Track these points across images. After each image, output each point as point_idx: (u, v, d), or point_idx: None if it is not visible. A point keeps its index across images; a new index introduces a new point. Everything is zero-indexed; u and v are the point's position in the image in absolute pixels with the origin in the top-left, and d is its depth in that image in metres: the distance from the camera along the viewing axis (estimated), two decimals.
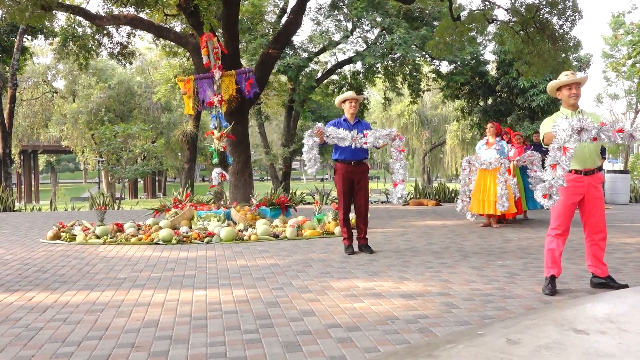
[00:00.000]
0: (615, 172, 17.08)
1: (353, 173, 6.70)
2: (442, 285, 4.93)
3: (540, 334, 1.68)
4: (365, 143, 6.43)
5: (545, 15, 13.67)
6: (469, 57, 21.86)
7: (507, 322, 1.82)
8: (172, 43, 18.57)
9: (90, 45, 17.29)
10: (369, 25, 22.34)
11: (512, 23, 14.00)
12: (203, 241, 7.98)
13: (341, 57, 24.04)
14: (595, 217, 4.65)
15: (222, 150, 9.92)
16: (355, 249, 6.94)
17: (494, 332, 1.71)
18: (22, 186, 43.87)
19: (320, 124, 6.45)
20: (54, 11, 13.48)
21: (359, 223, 6.92)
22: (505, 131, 10.41)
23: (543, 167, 11.17)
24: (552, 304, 4.20)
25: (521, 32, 13.81)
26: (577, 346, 1.64)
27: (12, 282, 5.33)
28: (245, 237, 8.20)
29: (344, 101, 6.81)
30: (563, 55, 13.95)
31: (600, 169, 4.83)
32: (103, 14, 14.93)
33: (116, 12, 15.35)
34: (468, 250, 6.99)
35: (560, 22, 13.76)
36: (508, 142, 10.00)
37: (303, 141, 6.56)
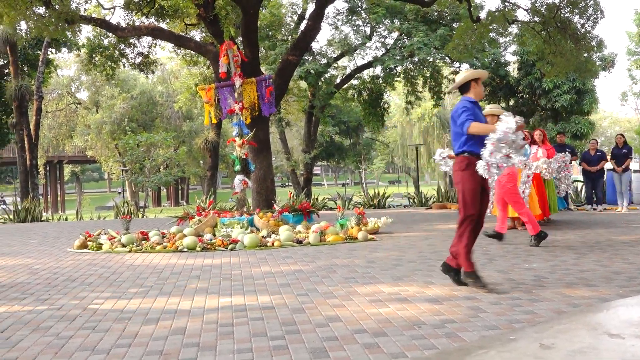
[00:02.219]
0: None
1: None
2: (468, 289, 4.88)
3: (573, 338, 1.65)
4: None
5: (566, 15, 13.51)
6: (489, 60, 21.68)
7: (539, 326, 1.79)
8: (192, 52, 18.76)
9: (115, 56, 17.58)
10: (387, 31, 22.31)
11: (532, 23, 13.87)
12: (227, 248, 8.02)
13: (360, 62, 23.99)
14: None
15: (244, 157, 9.98)
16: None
17: (526, 337, 1.69)
18: (49, 196, 44.57)
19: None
20: (77, 24, 13.71)
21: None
22: (532, 132, 10.28)
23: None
24: (583, 307, 4.14)
25: (542, 32, 13.67)
26: (612, 350, 1.61)
27: (41, 292, 5.41)
28: (268, 244, 8.22)
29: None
30: (586, 54, 13.78)
31: None
32: (124, 26, 15.15)
33: (137, 23, 15.58)
34: (493, 253, 6.92)
35: (582, 22, 13.59)
36: (531, 144, 9.87)
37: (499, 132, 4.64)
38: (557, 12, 13.22)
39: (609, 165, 13.35)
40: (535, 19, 13.73)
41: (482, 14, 14.66)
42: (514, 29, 15.39)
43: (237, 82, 10.04)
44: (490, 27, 13.95)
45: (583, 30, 13.57)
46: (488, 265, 6.04)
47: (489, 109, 6.82)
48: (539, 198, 9.22)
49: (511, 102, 24.86)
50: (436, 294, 4.77)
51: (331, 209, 15.69)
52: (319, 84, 21.42)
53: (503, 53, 23.14)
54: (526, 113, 23.92)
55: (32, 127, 24.68)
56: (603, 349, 1.63)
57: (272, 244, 8.18)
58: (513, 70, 24.81)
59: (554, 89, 22.18)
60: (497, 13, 13.61)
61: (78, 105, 40.42)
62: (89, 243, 8.51)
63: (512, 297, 4.54)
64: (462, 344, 3.27)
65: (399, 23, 21.36)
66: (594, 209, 12.96)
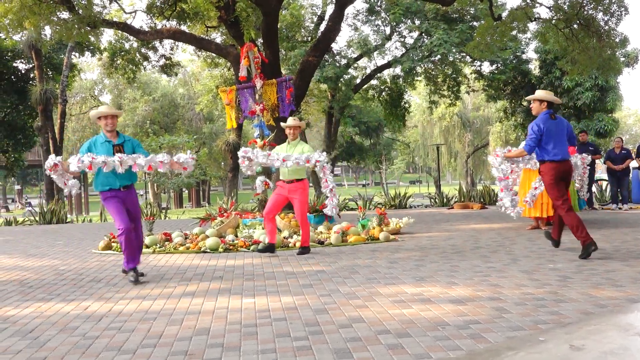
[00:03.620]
0: None
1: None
2: (492, 290, 4.84)
3: (604, 339, 1.62)
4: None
5: (590, 12, 13.31)
6: (511, 57, 21.47)
7: (568, 327, 1.76)
8: (213, 54, 18.89)
9: (137, 59, 17.79)
10: (407, 30, 22.23)
11: (554, 20, 13.69)
12: (249, 249, 8.06)
13: (380, 62, 23.93)
14: None
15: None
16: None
17: (556, 338, 1.66)
18: (73, 198, 45.18)
19: None
20: (99, 28, 13.89)
21: None
22: None
23: (592, 168, 10.86)
24: (612, 308, 4.07)
25: (565, 30, 13.49)
26: None
27: (68, 292, 5.49)
28: (290, 244, 8.24)
29: None
30: (609, 51, 13.56)
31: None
32: (147, 29, 15.31)
33: (159, 26, 15.73)
34: (517, 253, 6.85)
35: (606, 18, 13.38)
36: None
37: None
38: (580, 9, 13.03)
39: (634, 163, 13.14)
40: (558, 16, 13.55)
41: (503, 12, 14.51)
42: (535, 26, 15.21)
43: (258, 83, 10.06)
44: (512, 25, 13.80)
45: (607, 27, 13.36)
46: (512, 266, 5.98)
47: (291, 120, 7.81)
48: None
49: None
50: (459, 294, 4.74)
51: (352, 209, 15.67)
52: (339, 85, 21.42)
53: (525, 50, 22.89)
54: None
55: (56, 130, 25.10)
56: (635, 350, 1.60)
57: (294, 245, 8.19)
58: (535, 68, 24.55)
59: (576, 87, 21.89)
60: (518, 11, 13.46)
61: None
62: (113, 244, 8.61)
63: (537, 298, 4.49)
64: (490, 345, 3.24)
65: (419, 23, 21.26)
66: (619, 208, 12.76)
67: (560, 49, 14.22)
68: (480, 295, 4.68)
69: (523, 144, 6.81)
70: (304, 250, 7.55)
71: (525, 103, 24.86)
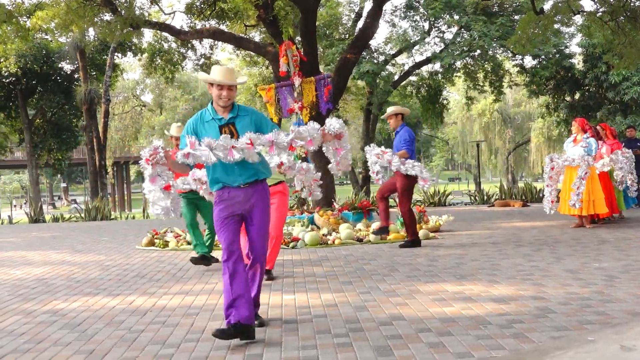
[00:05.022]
0: None
1: None
2: (536, 289, 4.75)
3: None
4: None
5: (637, 3, 12.90)
6: (553, 51, 20.97)
7: (617, 328, 1.72)
8: (252, 53, 19.05)
9: (175, 59, 18.11)
10: (446, 25, 21.95)
11: (600, 13, 13.31)
12: (288, 246, 8.10)
13: (419, 58, 23.66)
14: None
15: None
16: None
17: (606, 338, 1.63)
18: (116, 196, 46.25)
19: None
20: (141, 29, 14.19)
21: None
22: (596, 127, 9.87)
23: (638, 166, 10.54)
24: None
25: (610, 22, 13.09)
26: None
27: (113, 287, 5.64)
28: (329, 242, 8.26)
29: None
30: None
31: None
32: (187, 29, 15.55)
33: (199, 26, 15.96)
34: (561, 252, 6.70)
35: None
36: (599, 139, 9.48)
37: None
38: (627, 0, 12.63)
39: None
40: (603, 8, 13.17)
41: (545, 4, 14.19)
42: (579, 20, 14.82)
43: (297, 81, 10.12)
44: (555, 19, 13.46)
45: None
46: (555, 265, 5.86)
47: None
48: (605, 195, 8.86)
49: (577, 96, 23.97)
50: (501, 293, 4.67)
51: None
52: (377, 81, 21.31)
53: (568, 44, 22.31)
54: (593, 107, 23.01)
55: (100, 129, 25.74)
56: None
57: (333, 242, 8.21)
58: (578, 62, 23.91)
59: (623, 82, 21.23)
60: (561, 3, 13.13)
61: (143, 108, 41.80)
62: (156, 241, 8.78)
63: (582, 298, 4.39)
64: (536, 345, 3.18)
65: (458, 17, 20.97)
66: None
67: (606, 42, 13.82)
68: (523, 294, 4.61)
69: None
70: (269, 274, 5.61)
71: (568, 98, 24.28)
